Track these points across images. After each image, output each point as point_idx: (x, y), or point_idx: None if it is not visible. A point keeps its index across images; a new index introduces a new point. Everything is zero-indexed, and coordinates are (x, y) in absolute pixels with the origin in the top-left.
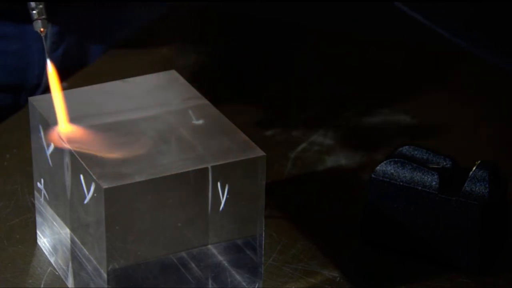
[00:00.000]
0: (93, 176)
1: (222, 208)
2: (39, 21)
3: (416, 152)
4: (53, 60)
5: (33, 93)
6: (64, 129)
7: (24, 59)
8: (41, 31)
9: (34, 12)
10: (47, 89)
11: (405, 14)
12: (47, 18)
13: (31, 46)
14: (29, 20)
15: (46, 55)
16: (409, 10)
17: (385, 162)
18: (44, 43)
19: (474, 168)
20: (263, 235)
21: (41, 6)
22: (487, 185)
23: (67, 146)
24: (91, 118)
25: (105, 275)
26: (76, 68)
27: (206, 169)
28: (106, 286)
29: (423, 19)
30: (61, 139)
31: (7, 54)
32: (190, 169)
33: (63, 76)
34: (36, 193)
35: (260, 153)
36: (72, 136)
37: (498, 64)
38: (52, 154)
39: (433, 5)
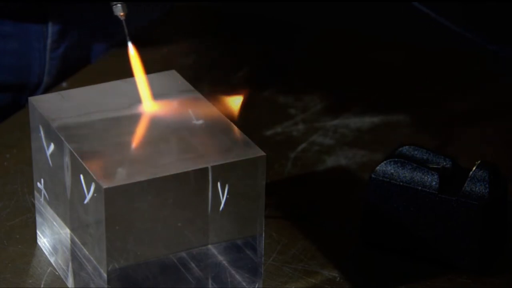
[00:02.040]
0: (93, 176)
1: (222, 208)
2: (119, 5)
3: (416, 152)
4: (52, 60)
5: (33, 92)
6: (151, 107)
7: (24, 58)
8: (121, 15)
9: None
10: (47, 89)
11: (405, 14)
12: (126, 1)
13: (31, 45)
14: (29, 19)
15: (128, 38)
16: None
17: (385, 162)
18: (125, 27)
19: (474, 168)
20: (263, 235)
21: None
22: (487, 185)
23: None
24: (91, 118)
25: (105, 275)
26: (77, 68)
27: (206, 169)
28: (106, 286)
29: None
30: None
31: (7, 53)
32: (190, 169)
33: (63, 75)
34: (36, 193)
35: (260, 153)
36: (72, 135)
37: (497, 53)
38: (52, 154)
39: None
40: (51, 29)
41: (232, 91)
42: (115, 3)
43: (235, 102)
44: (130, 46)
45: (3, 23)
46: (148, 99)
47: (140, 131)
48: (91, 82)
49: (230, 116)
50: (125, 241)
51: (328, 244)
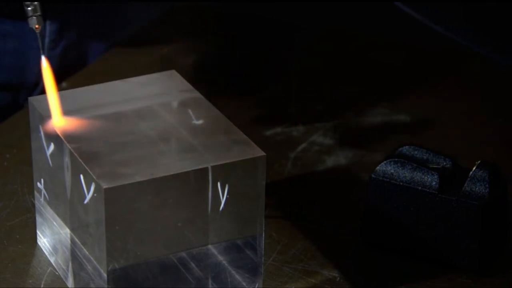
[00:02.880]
0: (93, 176)
1: (222, 208)
2: (34, 18)
3: (416, 152)
4: (51, 58)
5: (32, 91)
6: (59, 123)
7: (23, 58)
8: (36, 28)
9: (29, 9)
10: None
11: (405, 14)
12: (42, 15)
13: (30, 45)
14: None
15: (41, 51)
16: (410, 10)
17: (385, 162)
18: (39, 40)
19: (474, 168)
20: (263, 235)
21: (36, 3)
22: (487, 185)
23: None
24: (91, 118)
25: (105, 275)
26: (75, 68)
27: (206, 169)
28: (106, 286)
29: (424, 18)
30: (59, 134)
31: (6, 52)
32: (190, 169)
33: (63, 75)
34: (36, 193)
35: (260, 153)
36: (71, 135)
37: (499, 61)
38: (52, 154)
39: (432, 4)
40: (49, 28)
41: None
42: (30, 15)
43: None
44: (43, 59)
45: (3, 23)
46: (58, 115)
47: (140, 131)
48: (90, 82)
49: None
50: (125, 241)
51: (328, 244)
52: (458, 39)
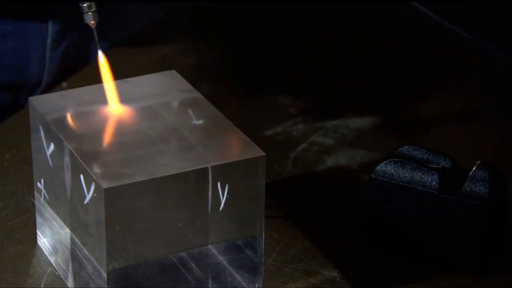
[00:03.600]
0: (93, 176)
1: (222, 208)
2: (90, 14)
3: (416, 152)
4: (52, 58)
5: (32, 91)
6: (116, 109)
7: (23, 58)
8: (91, 24)
9: (84, 5)
10: (46, 88)
11: (405, 14)
12: (97, 11)
13: (30, 45)
14: (29, 18)
15: (97, 46)
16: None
17: (385, 162)
18: (95, 35)
19: (474, 168)
20: (263, 235)
21: None
22: (487, 185)
23: None
24: (91, 118)
25: (105, 275)
26: (76, 67)
27: (206, 169)
28: (106, 286)
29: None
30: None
31: (7, 52)
32: (190, 169)
33: (64, 75)
34: (36, 193)
35: (260, 153)
36: (71, 135)
37: (502, 58)
38: (52, 154)
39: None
40: (50, 28)
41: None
42: (86, 11)
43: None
44: (100, 54)
45: (3, 23)
46: (116, 104)
47: (140, 131)
48: (91, 82)
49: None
50: (125, 241)
51: (328, 244)
52: (473, 39)
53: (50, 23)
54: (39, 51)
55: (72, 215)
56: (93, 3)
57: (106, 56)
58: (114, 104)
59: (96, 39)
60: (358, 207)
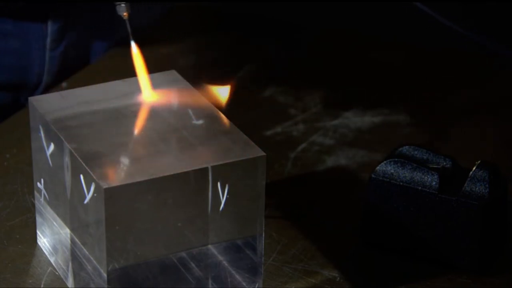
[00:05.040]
0: (93, 176)
1: (222, 208)
2: (123, 5)
3: (416, 152)
4: (52, 58)
5: (33, 92)
6: (151, 97)
7: (24, 57)
8: (124, 15)
9: None
10: (46, 88)
11: (405, 14)
12: (129, 1)
13: (31, 44)
14: (29, 18)
15: (130, 37)
16: (429, 10)
17: (385, 162)
18: (128, 26)
19: (474, 168)
20: (263, 235)
21: None
22: (487, 185)
23: None
24: (91, 118)
25: (105, 275)
26: (76, 67)
27: (206, 169)
28: (106, 286)
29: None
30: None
31: (7, 52)
32: (190, 169)
33: (64, 75)
34: (36, 193)
35: (260, 153)
36: (71, 135)
37: (500, 54)
38: (52, 154)
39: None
40: (50, 28)
41: (219, 83)
42: (118, 3)
43: (222, 92)
44: (133, 45)
45: (3, 22)
46: (151, 95)
47: (140, 131)
48: (91, 82)
49: (217, 105)
50: (125, 241)
51: (328, 244)
52: (477, 39)
53: (49, 23)
54: (39, 51)
55: (72, 215)
56: None
57: (105, 56)
58: (148, 92)
59: (129, 29)
60: (358, 207)
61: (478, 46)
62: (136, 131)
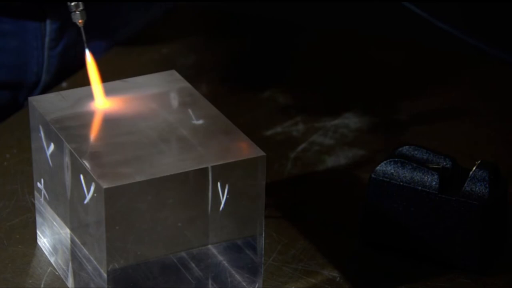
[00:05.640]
0: (93, 176)
1: (222, 208)
2: (77, 12)
3: (416, 152)
4: (51, 57)
5: (31, 91)
6: (102, 104)
7: (23, 56)
8: (79, 23)
9: (72, 4)
10: (45, 87)
11: (405, 14)
12: (85, 10)
13: (30, 43)
14: (28, 17)
15: (85, 45)
16: (418, 10)
17: (385, 162)
18: (83, 34)
19: (474, 168)
20: (263, 235)
21: None
22: (487, 185)
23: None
24: (91, 118)
25: (105, 275)
26: (76, 67)
27: (206, 169)
28: (106, 286)
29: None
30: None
31: (6, 51)
32: (190, 169)
33: (63, 74)
34: (36, 193)
35: (260, 153)
36: (72, 135)
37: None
38: (52, 154)
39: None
40: (49, 27)
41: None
42: (73, 10)
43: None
44: (88, 53)
45: (2, 21)
46: (104, 103)
47: (140, 131)
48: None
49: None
50: (125, 241)
51: (328, 244)
52: (466, 39)
53: (48, 22)
54: (38, 50)
55: (72, 215)
56: (80, 2)
57: (105, 56)
58: (100, 100)
59: (84, 38)
60: (358, 207)
61: (474, 48)
62: (136, 131)
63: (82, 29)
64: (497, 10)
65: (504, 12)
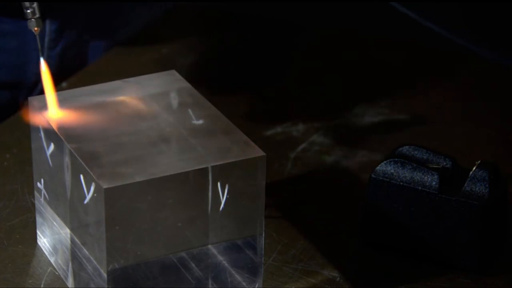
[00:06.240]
0: (93, 176)
1: (222, 208)
2: (33, 20)
3: (416, 152)
4: (51, 57)
5: (32, 91)
6: (54, 114)
7: (23, 56)
8: (35, 30)
9: (28, 11)
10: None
11: (405, 14)
12: (41, 17)
13: (30, 43)
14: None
15: (40, 53)
16: (407, 10)
17: (385, 162)
18: (38, 42)
19: (474, 168)
20: (263, 235)
21: (34, 5)
22: (487, 185)
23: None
24: (91, 118)
25: (105, 275)
26: (75, 67)
27: (206, 169)
28: (106, 286)
29: (419, 18)
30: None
31: (6, 51)
32: (190, 169)
33: (63, 75)
34: (36, 193)
35: (260, 153)
36: (71, 135)
37: (498, 61)
38: (52, 154)
39: (429, 4)
40: (49, 27)
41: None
42: (29, 17)
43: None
44: (42, 62)
45: (2, 21)
46: (56, 113)
47: (140, 131)
48: (90, 82)
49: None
50: (125, 241)
51: (328, 244)
52: (454, 38)
53: (48, 22)
54: (37, 51)
55: (72, 215)
56: (36, 9)
57: (105, 56)
58: (53, 110)
59: (39, 46)
60: (358, 207)
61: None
62: (136, 131)
63: (37, 37)
64: (488, 10)
65: (494, 12)
